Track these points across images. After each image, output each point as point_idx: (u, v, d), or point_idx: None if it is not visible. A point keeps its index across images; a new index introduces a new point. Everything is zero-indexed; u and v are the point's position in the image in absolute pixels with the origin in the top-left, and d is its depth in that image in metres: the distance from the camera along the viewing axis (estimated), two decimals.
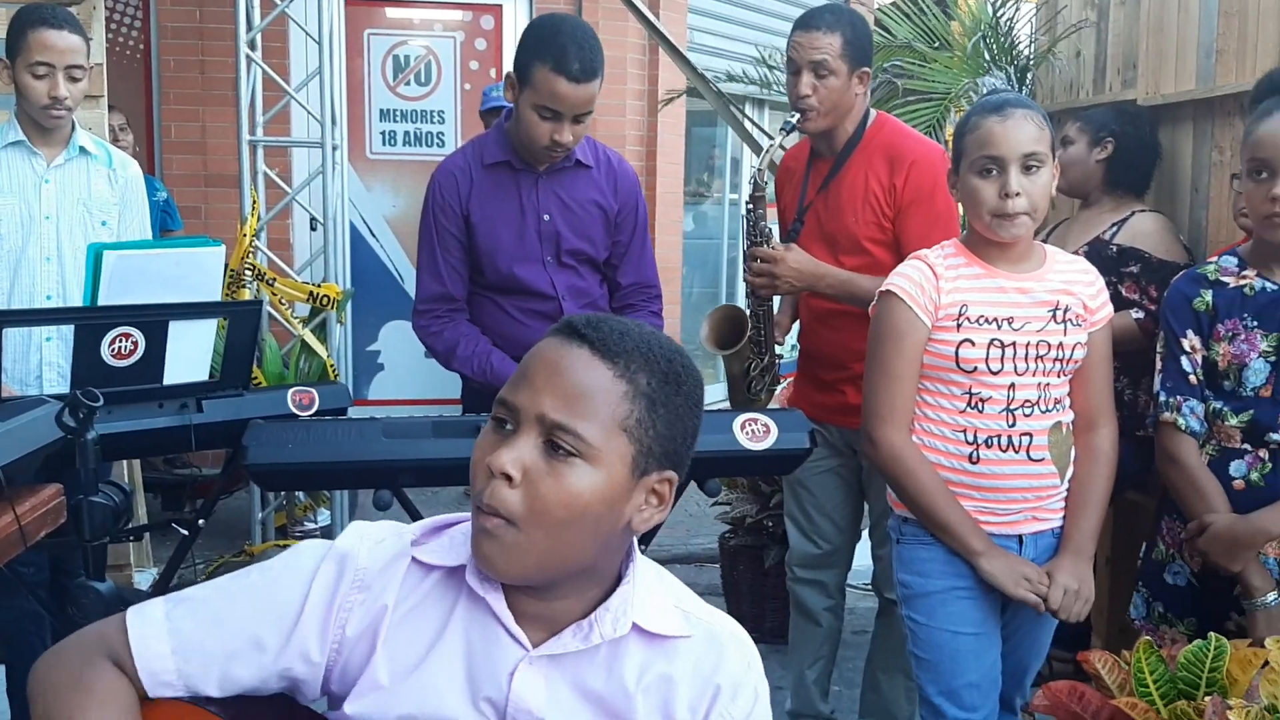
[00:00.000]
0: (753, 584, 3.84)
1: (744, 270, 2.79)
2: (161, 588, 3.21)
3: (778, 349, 2.85)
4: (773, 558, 3.72)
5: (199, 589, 1.19)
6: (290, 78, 5.06)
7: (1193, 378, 2.16)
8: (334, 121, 4.54)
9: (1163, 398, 2.18)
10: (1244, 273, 2.16)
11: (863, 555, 4.23)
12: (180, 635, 1.14)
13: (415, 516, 2.49)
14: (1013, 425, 2.06)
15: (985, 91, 3.80)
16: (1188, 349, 2.16)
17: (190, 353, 2.35)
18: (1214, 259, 2.26)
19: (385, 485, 2.14)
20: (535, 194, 2.66)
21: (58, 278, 2.71)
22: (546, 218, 2.66)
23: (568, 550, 1.10)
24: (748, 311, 2.82)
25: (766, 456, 2.19)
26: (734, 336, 2.78)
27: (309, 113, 4.57)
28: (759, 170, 2.72)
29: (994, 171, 2.02)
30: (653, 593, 1.19)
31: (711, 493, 2.23)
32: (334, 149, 4.54)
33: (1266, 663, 1.66)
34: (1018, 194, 2.00)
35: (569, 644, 1.14)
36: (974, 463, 2.07)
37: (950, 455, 2.09)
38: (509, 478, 1.06)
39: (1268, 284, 2.13)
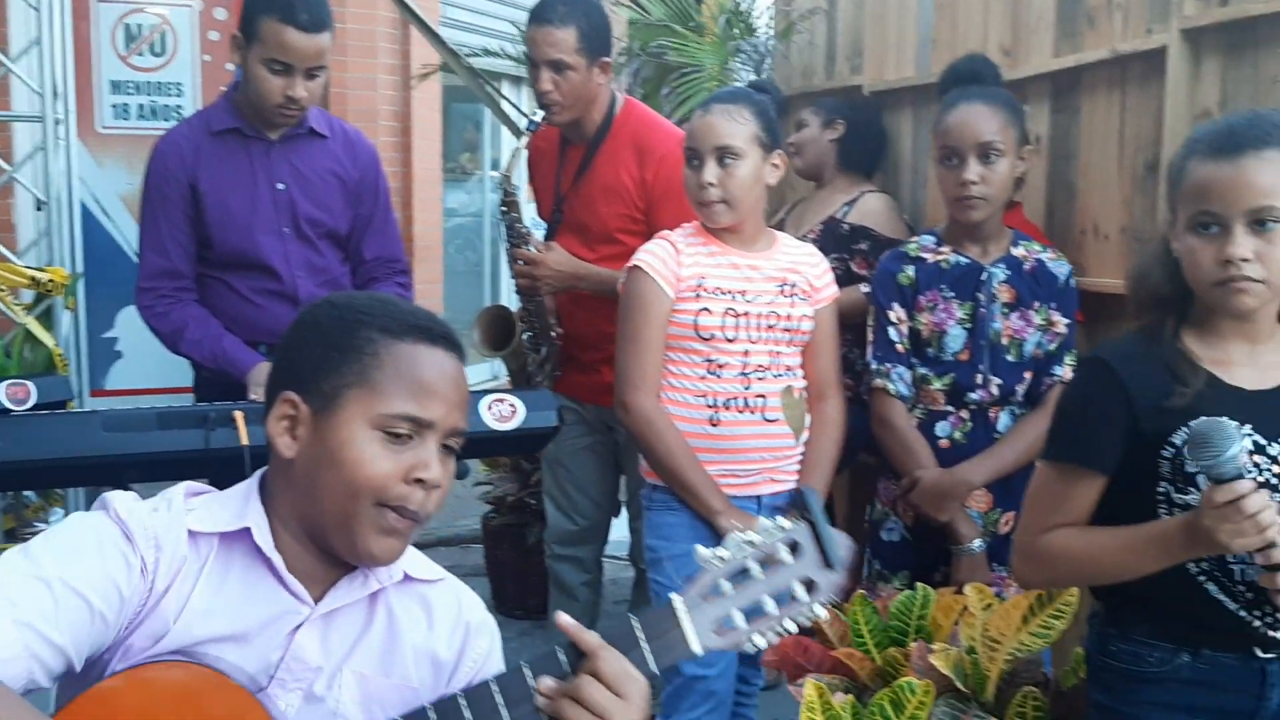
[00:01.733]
0: (517, 562, 3.87)
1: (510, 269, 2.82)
2: None
3: (555, 334, 2.86)
4: (535, 535, 3.75)
5: None
6: (9, 47, 4.68)
7: (900, 346, 2.35)
8: (56, 94, 4.23)
9: (874, 365, 2.37)
10: (940, 249, 2.36)
11: (621, 528, 4.35)
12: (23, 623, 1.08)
13: None
14: (748, 388, 2.22)
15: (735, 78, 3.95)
16: (894, 320, 2.35)
17: None
18: (916, 238, 2.45)
19: (107, 482, 2.02)
20: (268, 162, 2.58)
21: None
22: (281, 186, 2.58)
23: None
24: (517, 309, 2.83)
25: (515, 436, 2.21)
26: (505, 336, 2.80)
27: (28, 85, 4.25)
28: (504, 177, 2.73)
29: (696, 162, 2.22)
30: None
31: (460, 475, 2.22)
32: (57, 123, 4.23)
33: (966, 608, 1.81)
34: (712, 183, 2.19)
35: (346, 595, 1.23)
36: (714, 425, 2.22)
37: (693, 420, 2.22)
38: (438, 487, 1.19)
39: (961, 258, 2.34)
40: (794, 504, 1.16)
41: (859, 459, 3.22)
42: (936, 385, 2.33)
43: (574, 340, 2.86)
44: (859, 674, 1.82)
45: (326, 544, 1.20)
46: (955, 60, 2.61)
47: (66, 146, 4.36)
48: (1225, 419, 1.37)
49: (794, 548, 1.20)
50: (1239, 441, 1.34)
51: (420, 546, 4.26)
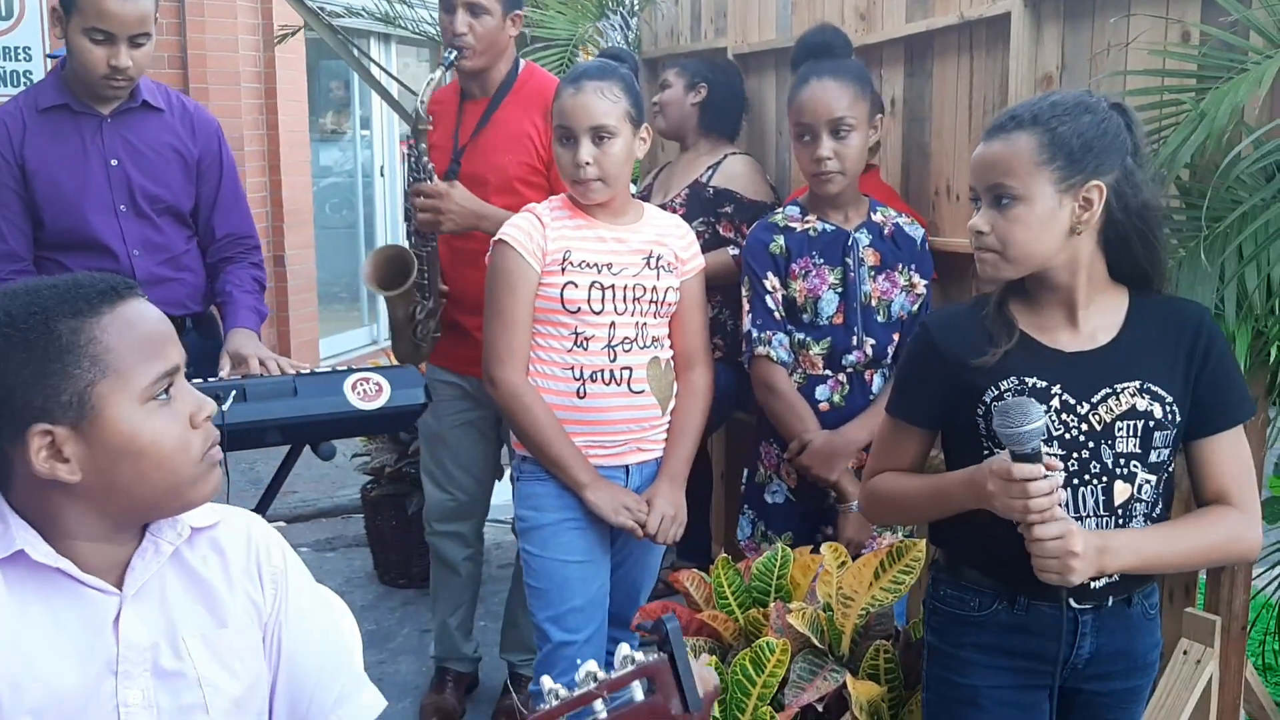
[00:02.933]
0: (396, 532, 3.85)
1: (406, 208, 2.74)
2: None
3: (442, 290, 2.83)
4: (415, 505, 3.74)
5: None
6: None
7: (776, 314, 2.40)
8: None
9: (754, 334, 2.42)
10: (806, 218, 2.42)
11: (504, 492, 4.36)
12: None
13: None
14: (614, 360, 2.24)
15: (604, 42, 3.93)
16: (769, 288, 2.40)
17: None
18: (781, 209, 2.50)
19: None
20: (100, 137, 2.50)
21: None
22: (114, 162, 2.51)
23: None
24: (412, 253, 2.77)
25: (381, 415, 2.20)
26: (398, 278, 2.75)
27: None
28: (421, 103, 2.67)
29: (569, 141, 2.21)
30: None
31: (325, 456, 2.22)
32: None
33: (823, 567, 1.89)
34: (589, 162, 2.19)
35: (145, 570, 1.22)
36: (581, 397, 2.23)
37: (560, 393, 2.24)
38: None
39: (826, 225, 2.40)
40: (655, 630, 1.06)
41: (735, 417, 3.30)
42: (815, 350, 2.39)
43: (458, 303, 2.84)
44: (724, 635, 1.89)
45: (147, 519, 1.23)
46: (806, 32, 2.64)
47: None
48: (1031, 400, 1.46)
49: (649, 684, 1.06)
50: (1037, 422, 1.43)
51: (301, 519, 4.20)
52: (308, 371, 2.26)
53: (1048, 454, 1.50)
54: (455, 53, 2.66)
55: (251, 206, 6.17)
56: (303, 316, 6.47)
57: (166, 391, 1.17)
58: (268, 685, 1.30)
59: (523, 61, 2.84)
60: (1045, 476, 1.45)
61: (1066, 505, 1.55)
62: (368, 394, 2.18)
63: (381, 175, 7.52)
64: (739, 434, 3.47)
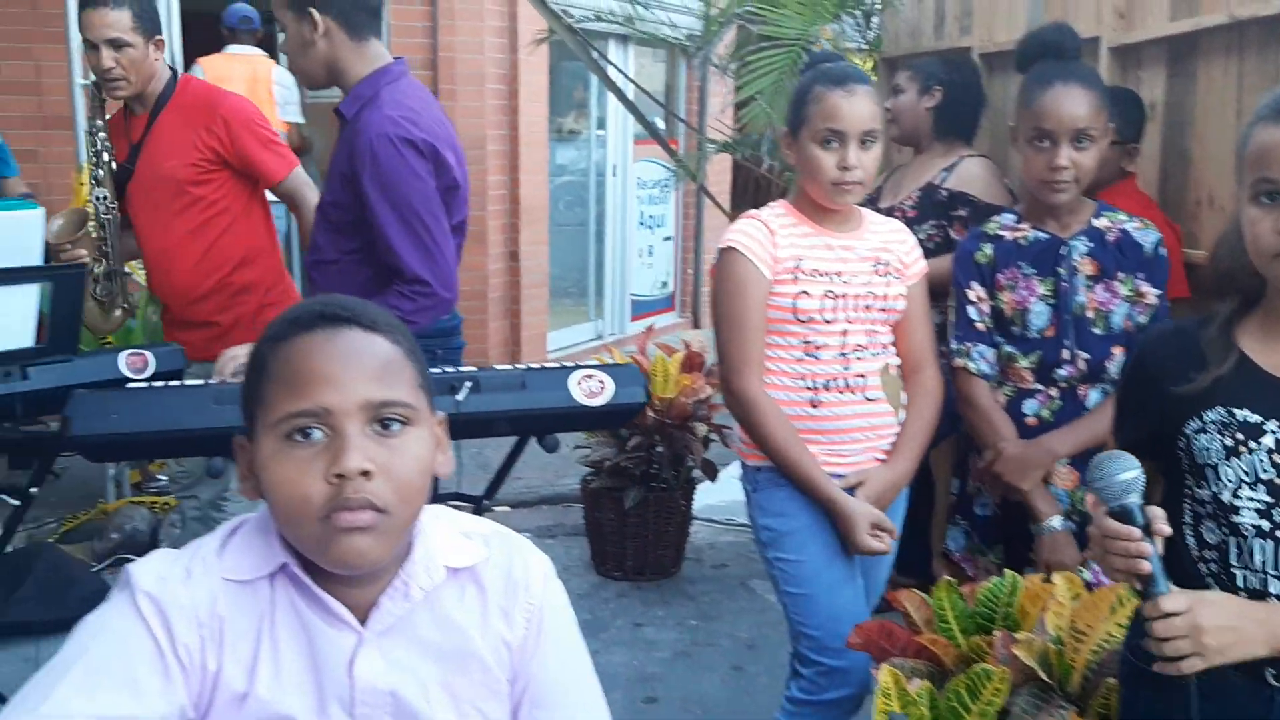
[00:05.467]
0: (613, 524, 3.92)
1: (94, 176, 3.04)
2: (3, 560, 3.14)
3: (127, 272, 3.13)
4: (632, 499, 3.80)
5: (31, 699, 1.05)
6: None
7: (980, 325, 2.31)
8: None
9: (955, 345, 2.34)
10: (1019, 226, 2.31)
11: (716, 493, 4.37)
12: None
13: None
14: (848, 369, 2.19)
15: (824, 46, 3.86)
16: (974, 299, 2.31)
17: (11, 319, 2.28)
18: (997, 218, 2.39)
19: (218, 452, 2.12)
20: None
21: None
22: None
23: (415, 515, 1.14)
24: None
25: (604, 411, 2.24)
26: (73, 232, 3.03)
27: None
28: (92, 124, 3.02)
29: (835, 143, 2.14)
30: (439, 531, 1.22)
31: (550, 448, 2.27)
32: None
33: (1054, 597, 1.79)
34: (855, 166, 2.13)
35: (394, 610, 1.15)
36: (815, 407, 2.19)
37: (794, 403, 2.20)
38: (367, 473, 1.06)
39: (1040, 234, 2.29)
40: None
41: (961, 428, 3.18)
42: (1023, 363, 2.28)
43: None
44: (944, 660, 1.82)
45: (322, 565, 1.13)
46: (1039, 29, 2.49)
47: None
48: (1125, 454, 1.31)
49: None
50: (1122, 476, 1.29)
51: (525, 504, 4.32)
52: None
53: (1250, 499, 1.34)
54: (109, 87, 2.91)
55: (490, 204, 6.46)
56: (533, 310, 6.68)
57: (305, 434, 1.07)
58: None
59: (180, 73, 3.06)
60: (1139, 539, 1.28)
61: (1266, 561, 1.35)
62: (592, 390, 2.21)
63: (614, 174, 7.66)
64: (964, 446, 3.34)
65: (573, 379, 2.22)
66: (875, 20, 3.96)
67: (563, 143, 7.22)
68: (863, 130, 2.13)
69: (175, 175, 2.92)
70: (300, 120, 5.72)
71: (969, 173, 3.07)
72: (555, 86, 6.80)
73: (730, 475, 4.09)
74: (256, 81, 5.51)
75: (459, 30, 5.97)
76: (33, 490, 2.43)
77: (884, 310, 2.23)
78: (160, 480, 4.52)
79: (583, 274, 7.68)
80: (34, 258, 2.45)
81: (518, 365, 2.30)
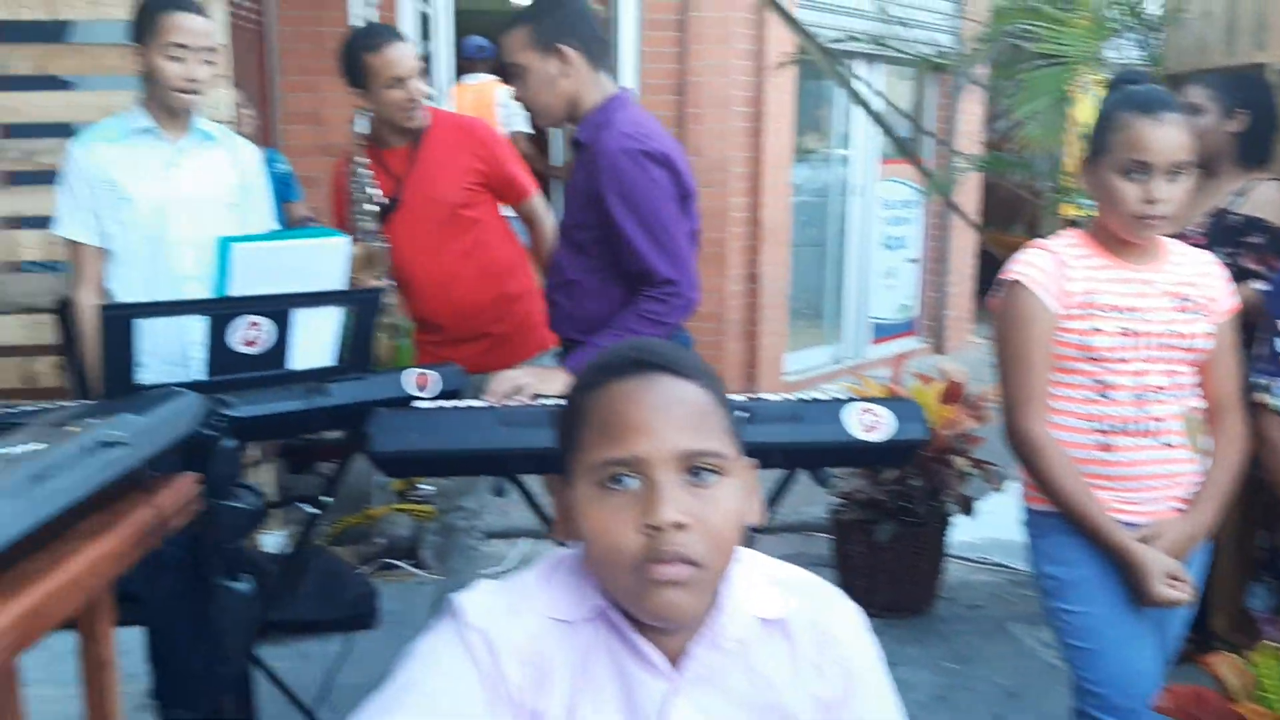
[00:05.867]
0: (864, 557, 3.83)
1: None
2: (294, 561, 3.36)
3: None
4: (885, 533, 3.70)
5: None
6: None
7: None
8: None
9: (1254, 379, 2.17)
10: None
11: (972, 529, 4.20)
12: None
13: (535, 506, 2.54)
14: (1143, 411, 2.05)
15: (1115, 66, 3.67)
16: None
17: (315, 339, 2.43)
18: None
19: (502, 473, 2.19)
20: None
21: (195, 260, 2.74)
22: None
23: (728, 566, 1.12)
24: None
25: (882, 447, 2.17)
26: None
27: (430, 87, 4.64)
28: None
29: (1139, 175, 2.00)
30: (749, 578, 1.20)
31: (822, 482, 2.23)
32: None
33: None
34: (1162, 200, 1.99)
35: (705, 659, 1.14)
36: (1106, 451, 2.07)
37: (1082, 446, 2.08)
38: (681, 525, 1.05)
39: None
40: None
41: (1257, 473, 2.93)
42: None
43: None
44: None
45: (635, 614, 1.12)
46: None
47: None
48: None
49: None
50: None
51: (768, 531, 4.28)
52: None
53: None
54: (409, 116, 3.03)
55: (730, 225, 6.47)
56: (771, 332, 6.64)
57: (618, 481, 1.07)
58: None
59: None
60: None
61: None
62: (870, 425, 2.16)
63: (858, 195, 7.54)
64: (1254, 492, 3.08)
65: (849, 412, 2.17)
66: (1158, 37, 3.73)
67: (804, 163, 7.16)
68: (1171, 161, 1.97)
69: (447, 199, 3.06)
70: (528, 130, 5.91)
71: (1264, 197, 2.86)
72: (799, 107, 6.76)
73: (987, 510, 3.94)
74: (482, 105, 5.79)
75: (706, 55, 6.03)
76: (328, 499, 2.58)
77: (1187, 350, 2.07)
78: (424, 489, 4.74)
79: (820, 296, 7.59)
80: (339, 282, 2.60)
81: (789, 397, 2.27)
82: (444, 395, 2.53)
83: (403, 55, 2.97)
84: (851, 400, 2.23)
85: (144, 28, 2.69)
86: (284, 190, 4.83)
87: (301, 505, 2.70)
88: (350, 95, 3.09)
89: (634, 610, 1.11)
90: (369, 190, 3.09)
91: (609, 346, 1.18)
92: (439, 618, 1.15)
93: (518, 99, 2.57)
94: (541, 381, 2.39)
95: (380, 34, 3.01)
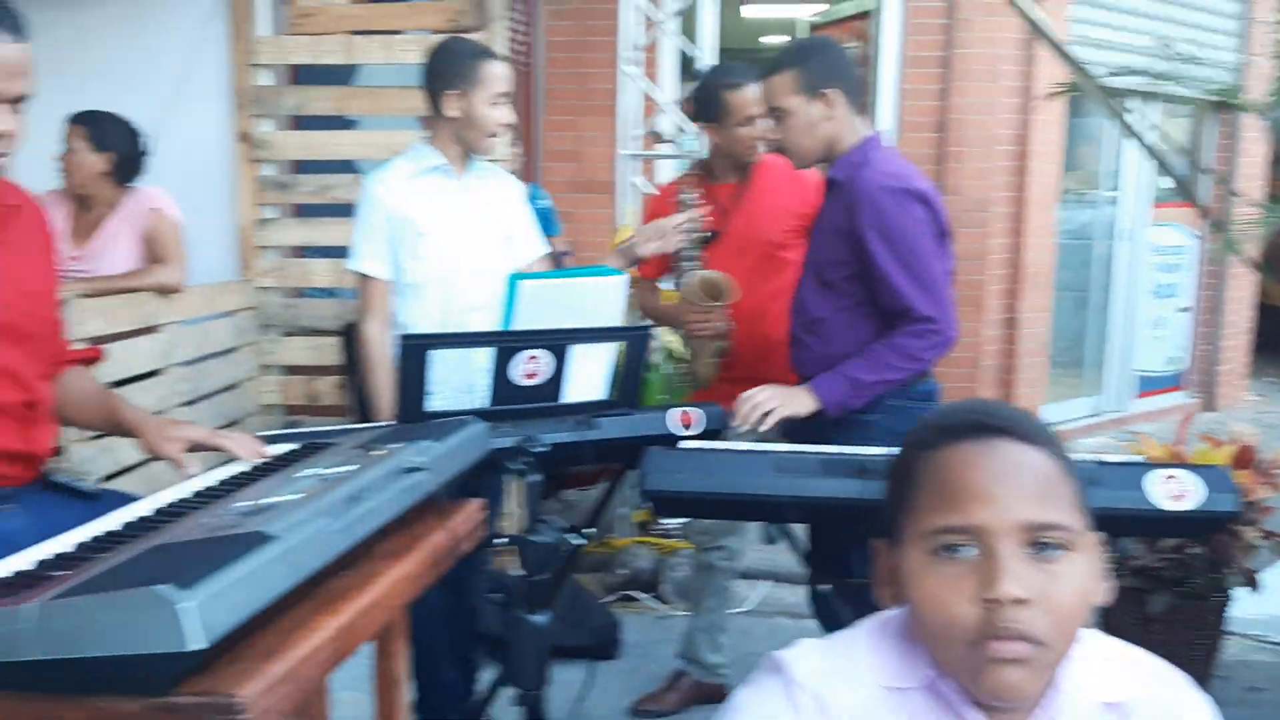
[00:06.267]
0: (1135, 630, 3.55)
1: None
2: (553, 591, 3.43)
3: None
4: (1159, 605, 3.43)
5: None
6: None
7: None
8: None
9: None
10: None
11: (1258, 605, 3.85)
12: None
13: (804, 555, 2.50)
14: None
15: None
16: None
17: (589, 373, 2.48)
18: None
19: (774, 520, 2.16)
20: None
21: (480, 291, 2.84)
22: None
23: (1070, 647, 1.05)
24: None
25: (1188, 518, 2.00)
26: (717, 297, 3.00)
27: (680, 127, 4.72)
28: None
29: None
30: (1090, 658, 1.12)
31: (1122, 556, 2.08)
32: None
33: None
34: None
35: None
36: None
37: None
38: (1022, 601, 1.00)
39: None
40: None
41: None
42: None
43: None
44: None
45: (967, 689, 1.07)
46: None
47: None
48: None
49: None
50: None
51: None
52: None
53: None
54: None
55: (989, 268, 6.25)
56: (1029, 380, 6.35)
57: (954, 550, 1.03)
58: None
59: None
60: None
61: None
62: (1176, 493, 1.99)
63: (1127, 239, 7.12)
64: None
65: (1151, 478, 2.02)
66: None
67: (1068, 204, 6.83)
68: None
69: (767, 238, 3.10)
70: None
71: None
72: (1066, 146, 6.46)
73: (1272, 585, 3.61)
74: None
75: (970, 91, 5.86)
76: (591, 530, 2.62)
77: None
78: (668, 523, 4.76)
79: (1082, 344, 7.19)
80: (613, 319, 2.65)
81: (1087, 458, 2.13)
82: (706, 435, 2.52)
83: (758, 95, 2.97)
84: (1153, 465, 2.07)
85: (463, 75, 2.80)
86: (545, 225, 4.99)
87: (567, 535, 2.76)
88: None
89: (968, 686, 1.06)
90: (696, 220, 3.12)
91: (943, 407, 1.14)
92: (759, 672, 1.13)
93: (774, 140, 2.60)
94: (785, 403, 2.43)
95: (739, 73, 3.07)
